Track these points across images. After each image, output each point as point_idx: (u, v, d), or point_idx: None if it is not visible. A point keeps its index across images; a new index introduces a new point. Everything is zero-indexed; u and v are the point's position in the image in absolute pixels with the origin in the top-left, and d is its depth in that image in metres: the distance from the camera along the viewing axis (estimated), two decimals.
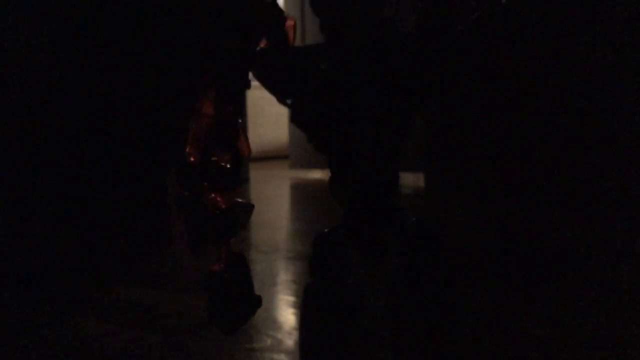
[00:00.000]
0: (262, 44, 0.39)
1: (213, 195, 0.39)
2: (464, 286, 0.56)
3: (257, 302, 0.41)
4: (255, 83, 0.41)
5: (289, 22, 0.39)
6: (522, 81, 1.46)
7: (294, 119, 0.40)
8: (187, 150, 0.38)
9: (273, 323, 0.79)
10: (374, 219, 0.39)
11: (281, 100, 0.41)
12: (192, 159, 0.38)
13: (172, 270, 1.10)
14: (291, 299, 0.90)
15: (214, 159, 0.39)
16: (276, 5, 0.38)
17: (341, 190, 0.40)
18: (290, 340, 0.72)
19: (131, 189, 1.23)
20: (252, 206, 0.41)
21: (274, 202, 2.10)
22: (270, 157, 3.91)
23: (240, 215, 0.40)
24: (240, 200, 0.40)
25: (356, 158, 0.39)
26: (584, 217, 1.41)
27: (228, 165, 0.39)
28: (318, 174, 2.73)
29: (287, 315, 0.83)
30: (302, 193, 2.35)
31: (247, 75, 0.39)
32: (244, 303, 0.40)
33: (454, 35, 0.36)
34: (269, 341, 0.73)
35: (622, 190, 1.56)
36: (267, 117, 3.98)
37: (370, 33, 0.37)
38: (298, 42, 0.40)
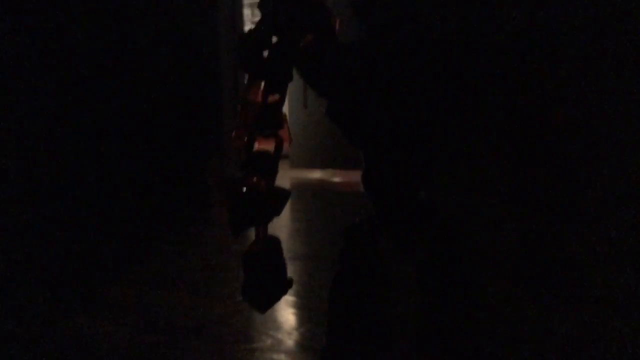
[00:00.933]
0: (306, 40, 0.40)
1: (255, 179, 0.40)
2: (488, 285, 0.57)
3: (289, 282, 0.43)
4: None
5: (335, 19, 0.41)
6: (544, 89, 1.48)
7: (329, 113, 0.41)
8: (234, 134, 0.40)
9: (273, 323, 0.79)
10: (406, 211, 0.40)
11: (320, 93, 0.42)
12: (237, 144, 0.40)
13: (172, 268, 1.10)
14: (291, 298, 0.90)
15: (257, 145, 0.40)
16: (324, 4, 0.40)
17: (375, 183, 0.41)
18: (290, 340, 0.72)
19: (131, 189, 1.23)
20: (289, 192, 0.42)
21: None
22: None
23: (279, 200, 0.41)
24: (279, 186, 0.41)
25: (390, 153, 0.40)
26: (602, 219, 1.41)
27: (271, 152, 0.40)
28: (318, 174, 2.73)
29: (287, 315, 0.83)
30: (302, 193, 2.35)
31: (292, 68, 0.41)
32: (277, 282, 0.42)
33: (492, 43, 0.38)
34: (269, 341, 0.73)
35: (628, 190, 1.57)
36: None
37: (410, 35, 0.38)
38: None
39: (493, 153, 0.43)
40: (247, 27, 2.43)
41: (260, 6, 0.40)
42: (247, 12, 3.05)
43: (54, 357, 0.72)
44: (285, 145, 0.41)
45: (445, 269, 0.40)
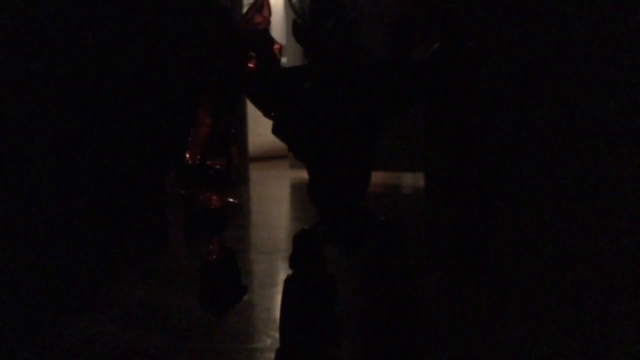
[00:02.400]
0: (251, 64, 0.45)
1: (208, 194, 0.45)
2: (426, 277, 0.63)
3: (243, 290, 0.47)
4: None
5: (276, 46, 0.45)
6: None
7: (275, 131, 0.46)
8: (187, 154, 0.44)
9: (273, 323, 0.79)
10: (348, 218, 0.46)
11: (266, 114, 0.46)
12: (190, 163, 0.44)
13: (172, 268, 1.10)
14: None
15: (209, 163, 0.44)
16: (267, 32, 0.45)
17: (318, 194, 0.46)
18: None
19: (131, 189, 1.23)
20: (242, 205, 0.46)
21: (274, 202, 2.10)
22: (270, 157, 3.91)
23: (231, 212, 0.46)
24: (231, 200, 0.46)
25: (331, 167, 0.45)
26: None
27: (221, 169, 0.45)
28: None
29: None
30: (302, 193, 2.35)
31: (239, 92, 0.46)
32: (232, 290, 0.46)
33: (414, 64, 0.44)
34: (269, 341, 0.73)
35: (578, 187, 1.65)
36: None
37: (345, 58, 0.44)
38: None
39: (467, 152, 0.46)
40: None
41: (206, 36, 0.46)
42: None
43: (54, 357, 0.72)
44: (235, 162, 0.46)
45: (384, 268, 0.46)
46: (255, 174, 2.63)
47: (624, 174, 1.62)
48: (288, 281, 0.47)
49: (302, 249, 0.46)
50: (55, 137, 1.09)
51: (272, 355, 0.51)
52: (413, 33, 0.44)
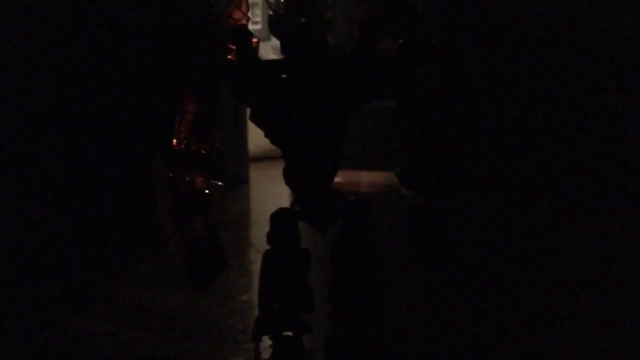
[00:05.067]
0: (231, 56, 0.49)
1: (193, 176, 0.49)
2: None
3: (225, 263, 0.51)
4: None
5: (254, 40, 0.49)
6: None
7: (253, 118, 0.50)
8: (174, 140, 0.48)
9: None
10: (319, 198, 0.50)
11: (244, 102, 0.51)
12: (177, 147, 0.48)
13: (172, 268, 1.10)
14: None
15: (194, 147, 0.49)
16: (245, 27, 0.49)
17: (293, 177, 0.50)
18: None
19: (131, 189, 1.23)
20: (221, 185, 0.51)
21: (274, 202, 2.10)
22: (270, 157, 3.91)
23: (213, 193, 0.50)
24: (213, 181, 0.50)
25: (305, 151, 0.50)
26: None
27: (205, 153, 0.49)
28: None
29: None
30: None
31: (220, 82, 0.50)
32: (215, 263, 0.50)
33: (380, 58, 0.49)
34: (269, 341, 0.73)
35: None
36: None
37: (318, 52, 0.49)
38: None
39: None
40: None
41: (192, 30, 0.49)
42: None
43: (54, 357, 0.72)
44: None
45: (351, 243, 0.51)
46: (255, 174, 2.62)
47: (607, 171, 1.65)
48: (266, 256, 0.51)
49: (278, 226, 0.51)
50: (53, 136, 1.09)
51: (267, 346, 0.52)
52: (377, 30, 0.48)
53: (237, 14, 0.49)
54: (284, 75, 0.49)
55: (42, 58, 1.01)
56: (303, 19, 0.47)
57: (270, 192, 2.32)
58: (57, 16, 1.03)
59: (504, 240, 1.25)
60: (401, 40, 0.48)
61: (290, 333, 0.52)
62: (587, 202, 1.58)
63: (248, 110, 0.52)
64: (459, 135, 0.49)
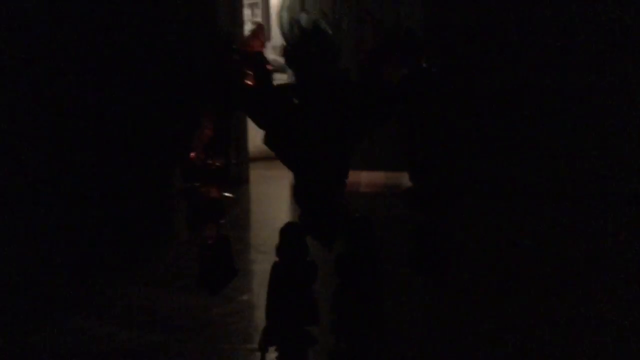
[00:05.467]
0: (248, 81, 0.52)
1: (208, 188, 0.52)
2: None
3: (235, 271, 0.53)
4: None
5: (269, 67, 0.52)
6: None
7: (266, 142, 0.53)
8: (191, 153, 0.51)
9: None
10: (326, 215, 0.52)
11: (259, 125, 0.53)
12: (194, 161, 0.51)
13: (172, 268, 1.10)
14: None
15: (209, 161, 0.52)
16: (261, 54, 0.52)
17: (302, 195, 0.53)
18: None
19: (132, 189, 1.23)
20: (234, 198, 0.54)
21: (274, 202, 2.10)
22: (270, 157, 3.90)
23: (227, 204, 0.53)
24: (227, 194, 0.53)
25: (314, 172, 0.52)
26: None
27: (220, 167, 0.52)
28: None
29: None
30: None
31: (237, 104, 0.53)
32: (225, 271, 0.53)
33: (387, 85, 0.52)
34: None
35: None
36: None
37: (328, 80, 0.51)
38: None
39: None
40: (247, 26, 2.43)
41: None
42: (247, 12, 3.05)
43: (55, 357, 0.72)
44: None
45: (354, 257, 0.52)
46: (255, 174, 2.62)
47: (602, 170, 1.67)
48: (274, 267, 0.53)
49: (287, 240, 0.53)
50: (56, 137, 1.09)
51: (272, 356, 0.52)
52: (383, 61, 0.51)
53: (254, 42, 0.52)
54: (296, 100, 0.52)
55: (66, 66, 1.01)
56: (315, 50, 0.50)
57: (270, 192, 2.31)
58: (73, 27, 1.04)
59: (503, 240, 1.25)
60: (405, 69, 0.51)
61: (296, 345, 0.53)
62: (587, 202, 1.58)
63: None
64: (461, 142, 0.50)
